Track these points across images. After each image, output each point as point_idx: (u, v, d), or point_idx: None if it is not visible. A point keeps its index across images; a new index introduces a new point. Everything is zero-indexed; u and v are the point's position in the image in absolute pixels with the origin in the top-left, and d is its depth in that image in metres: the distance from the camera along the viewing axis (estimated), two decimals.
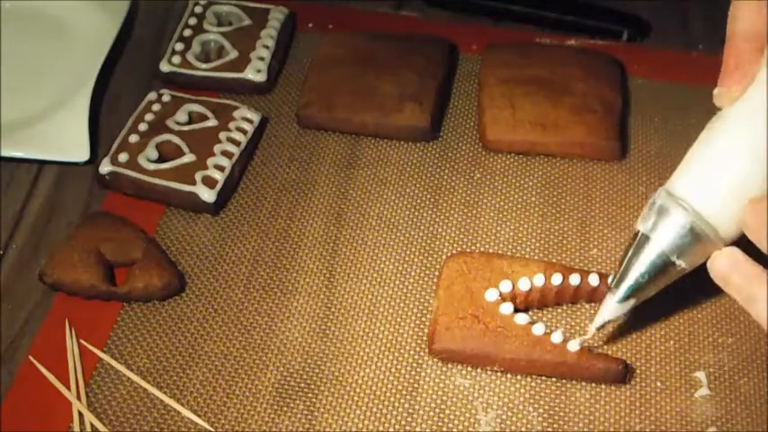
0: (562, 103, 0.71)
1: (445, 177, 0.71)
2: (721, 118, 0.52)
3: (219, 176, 0.68)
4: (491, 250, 0.66)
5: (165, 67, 0.76)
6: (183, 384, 0.59)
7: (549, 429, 0.57)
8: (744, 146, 0.50)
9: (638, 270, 0.53)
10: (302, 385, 0.59)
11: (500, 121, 0.71)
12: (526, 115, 0.71)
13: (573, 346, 0.58)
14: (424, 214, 0.68)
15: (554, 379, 0.59)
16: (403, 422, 0.58)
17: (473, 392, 0.59)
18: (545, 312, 0.62)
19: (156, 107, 0.72)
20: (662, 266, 0.52)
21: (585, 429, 0.57)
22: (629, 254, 0.53)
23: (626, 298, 0.54)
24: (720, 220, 0.51)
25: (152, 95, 0.73)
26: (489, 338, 0.58)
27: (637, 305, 0.55)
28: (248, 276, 0.65)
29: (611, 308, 0.55)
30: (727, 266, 0.51)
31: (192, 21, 0.79)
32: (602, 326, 0.56)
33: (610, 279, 0.55)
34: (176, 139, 0.70)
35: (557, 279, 0.61)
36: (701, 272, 0.65)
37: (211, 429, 0.57)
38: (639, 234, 0.53)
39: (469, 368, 0.60)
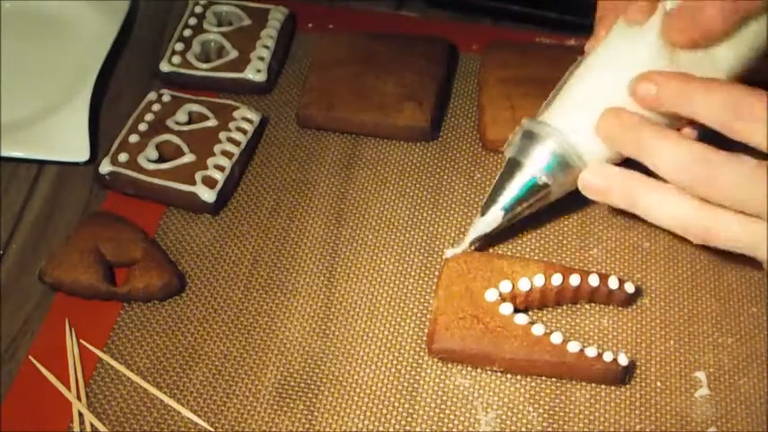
0: None
1: (445, 177, 0.71)
2: (580, 62, 0.60)
3: (219, 176, 0.68)
4: (491, 250, 0.66)
5: (165, 67, 0.76)
6: (183, 384, 0.59)
7: (549, 429, 0.57)
8: (595, 75, 0.58)
9: (512, 191, 0.60)
10: (302, 385, 0.59)
11: (500, 121, 0.71)
12: (526, 115, 0.71)
13: (573, 347, 0.58)
14: (424, 214, 0.68)
15: (554, 379, 0.59)
16: (403, 422, 0.58)
17: (473, 392, 0.59)
18: (545, 312, 0.62)
19: (156, 107, 0.72)
20: (533, 188, 0.59)
21: (585, 429, 0.57)
22: (500, 177, 0.60)
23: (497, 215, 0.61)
24: (583, 142, 0.58)
25: (152, 95, 0.73)
26: (489, 338, 0.58)
27: (508, 223, 0.61)
28: (248, 276, 0.65)
29: (482, 225, 0.61)
30: (596, 178, 0.57)
31: (192, 21, 0.79)
32: (476, 241, 0.62)
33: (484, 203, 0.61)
34: (176, 139, 0.70)
35: (557, 279, 0.61)
36: (700, 270, 0.65)
37: (211, 429, 0.57)
38: (509, 159, 0.60)
39: (469, 368, 0.60)
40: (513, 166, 0.60)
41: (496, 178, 0.61)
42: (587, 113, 0.57)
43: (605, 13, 0.61)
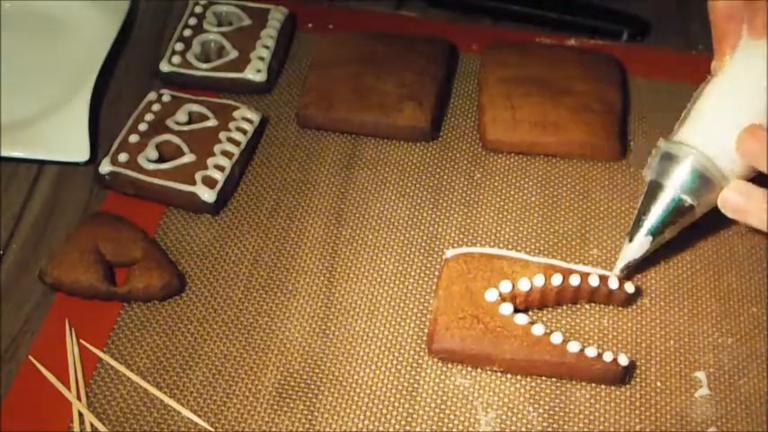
0: (562, 103, 0.71)
1: (445, 177, 0.71)
2: (710, 81, 0.60)
3: (219, 176, 0.68)
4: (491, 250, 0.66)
5: (165, 67, 0.76)
6: (183, 384, 0.59)
7: (549, 429, 0.57)
8: (733, 93, 0.58)
9: (656, 214, 0.59)
10: (302, 385, 0.59)
11: (500, 121, 0.71)
12: (526, 115, 0.71)
13: (573, 347, 0.58)
14: (424, 214, 0.68)
15: (554, 379, 0.59)
16: (403, 422, 0.58)
17: (473, 392, 0.59)
18: (545, 312, 0.62)
19: (156, 107, 0.72)
20: (677, 209, 0.59)
21: (585, 429, 0.57)
22: (643, 201, 0.60)
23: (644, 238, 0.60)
24: (722, 159, 0.57)
25: (152, 95, 0.73)
26: (489, 338, 0.58)
27: (655, 247, 0.60)
28: (248, 276, 0.65)
29: (630, 252, 0.61)
30: (738, 197, 0.56)
31: (192, 21, 0.79)
32: (626, 267, 0.61)
33: (630, 230, 0.61)
34: (176, 139, 0.70)
35: (557, 279, 0.61)
36: (700, 270, 0.65)
37: (211, 429, 0.57)
38: (650, 182, 0.59)
39: (469, 368, 0.60)
40: (655, 189, 0.59)
41: (640, 202, 0.60)
42: (724, 131, 0.57)
43: (725, 33, 0.60)
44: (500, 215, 0.68)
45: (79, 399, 0.58)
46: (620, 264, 0.61)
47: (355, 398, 0.59)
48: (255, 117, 0.72)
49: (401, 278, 0.65)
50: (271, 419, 0.58)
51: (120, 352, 0.61)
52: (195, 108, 0.72)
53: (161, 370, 0.60)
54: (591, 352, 0.58)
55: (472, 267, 0.61)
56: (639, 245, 0.60)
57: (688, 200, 0.58)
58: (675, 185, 0.58)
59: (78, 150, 0.71)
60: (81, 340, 0.61)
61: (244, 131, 0.71)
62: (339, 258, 0.66)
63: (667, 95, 0.76)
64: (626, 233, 0.61)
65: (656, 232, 0.60)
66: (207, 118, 0.71)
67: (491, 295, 0.60)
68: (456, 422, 0.58)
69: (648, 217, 0.60)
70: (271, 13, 0.80)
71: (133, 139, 0.70)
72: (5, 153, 0.71)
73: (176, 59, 0.76)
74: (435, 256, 0.66)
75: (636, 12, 0.83)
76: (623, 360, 0.58)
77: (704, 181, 0.57)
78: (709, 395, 0.59)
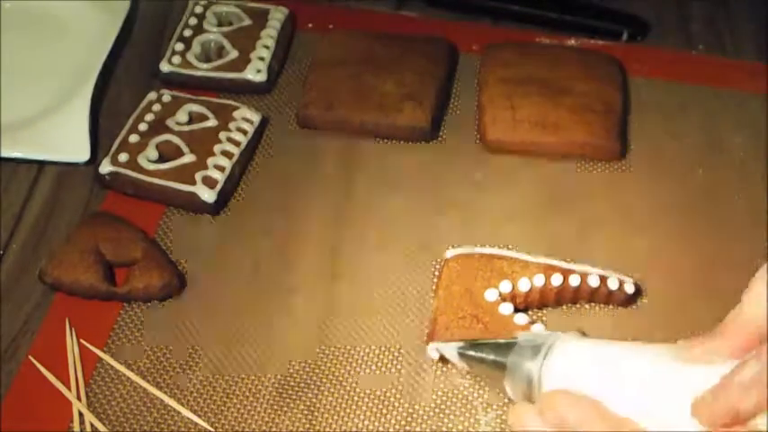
0: (562, 104, 0.71)
1: (445, 177, 0.71)
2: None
3: (219, 176, 0.68)
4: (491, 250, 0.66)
5: (165, 67, 0.76)
6: (183, 384, 0.59)
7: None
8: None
9: (485, 354, 0.55)
10: (302, 385, 0.59)
11: (500, 121, 0.71)
12: (526, 115, 0.71)
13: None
14: (424, 214, 0.68)
15: None
16: (403, 422, 0.58)
17: (473, 392, 0.59)
18: (545, 312, 0.62)
19: (156, 107, 0.72)
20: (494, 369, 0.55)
21: None
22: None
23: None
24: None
25: (152, 95, 0.73)
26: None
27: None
28: (248, 276, 0.65)
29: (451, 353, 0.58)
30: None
31: (192, 21, 0.79)
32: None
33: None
34: (176, 139, 0.70)
35: (556, 280, 0.61)
36: (700, 270, 0.65)
37: (211, 429, 0.57)
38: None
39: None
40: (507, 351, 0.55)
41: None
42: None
43: (743, 340, 0.48)
44: (500, 215, 0.68)
45: (79, 399, 0.58)
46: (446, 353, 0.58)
47: (355, 398, 0.59)
48: (255, 117, 0.72)
49: (401, 278, 0.65)
50: (271, 419, 0.58)
51: (120, 352, 0.61)
52: (195, 108, 0.72)
53: (161, 370, 0.60)
54: None
55: (472, 267, 0.61)
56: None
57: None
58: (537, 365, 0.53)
59: (78, 150, 0.71)
60: (81, 340, 0.61)
61: (244, 131, 0.71)
62: (339, 258, 0.66)
63: (667, 95, 0.76)
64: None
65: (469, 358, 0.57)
66: (207, 118, 0.71)
67: (491, 295, 0.60)
68: (456, 422, 0.58)
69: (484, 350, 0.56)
70: (271, 13, 0.80)
71: (133, 139, 0.70)
72: (5, 153, 0.71)
73: (176, 59, 0.76)
74: (435, 256, 0.66)
75: (636, 12, 0.83)
76: None
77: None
78: None
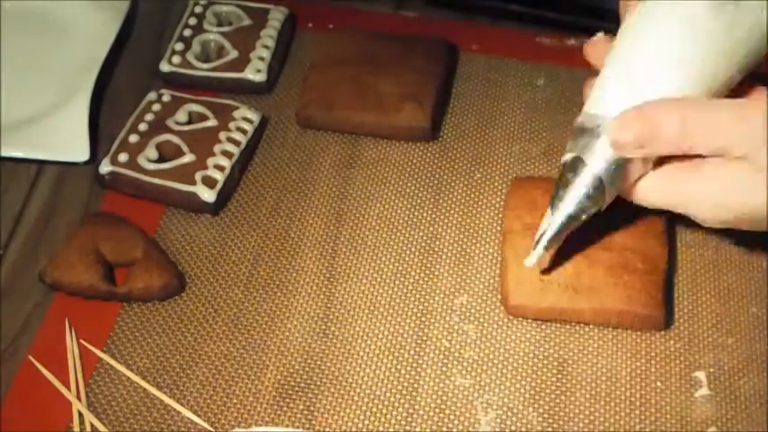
0: (598, 261, 0.62)
1: (445, 177, 0.71)
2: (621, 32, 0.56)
3: (219, 176, 0.68)
4: (491, 251, 0.66)
5: (165, 67, 0.76)
6: (183, 384, 0.59)
7: (549, 429, 0.57)
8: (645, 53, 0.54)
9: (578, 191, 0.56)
10: (302, 385, 0.59)
11: (525, 282, 0.61)
12: (555, 275, 0.61)
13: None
14: (424, 214, 0.68)
15: (554, 379, 0.59)
16: (403, 422, 0.58)
17: (473, 392, 0.59)
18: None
19: (156, 107, 0.72)
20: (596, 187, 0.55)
21: (585, 429, 0.57)
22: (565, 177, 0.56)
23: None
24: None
25: (152, 95, 0.73)
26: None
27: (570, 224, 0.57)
28: (248, 276, 0.65)
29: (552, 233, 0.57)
30: (636, 122, 0.53)
31: (192, 21, 0.79)
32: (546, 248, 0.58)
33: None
34: (176, 139, 0.70)
35: None
36: (700, 270, 0.65)
37: (211, 429, 0.57)
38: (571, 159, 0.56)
39: (469, 368, 0.60)
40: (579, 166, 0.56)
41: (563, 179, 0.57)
42: (626, 100, 0.54)
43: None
44: (500, 215, 0.68)
45: (79, 399, 0.58)
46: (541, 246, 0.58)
47: (355, 398, 0.59)
48: (255, 117, 0.72)
49: (401, 278, 0.65)
50: (271, 419, 0.58)
51: (120, 352, 0.61)
52: (195, 108, 0.72)
53: (161, 370, 0.60)
54: None
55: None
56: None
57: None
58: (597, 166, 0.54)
59: (78, 150, 0.71)
60: (81, 340, 0.61)
61: (244, 131, 0.71)
62: (339, 258, 0.66)
63: None
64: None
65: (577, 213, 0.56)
66: (207, 118, 0.71)
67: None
68: (456, 422, 0.58)
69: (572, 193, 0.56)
70: (271, 13, 0.80)
71: (133, 139, 0.70)
72: (5, 153, 0.71)
73: (176, 59, 0.76)
74: (435, 256, 0.66)
75: None
76: None
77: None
78: (710, 395, 0.59)
